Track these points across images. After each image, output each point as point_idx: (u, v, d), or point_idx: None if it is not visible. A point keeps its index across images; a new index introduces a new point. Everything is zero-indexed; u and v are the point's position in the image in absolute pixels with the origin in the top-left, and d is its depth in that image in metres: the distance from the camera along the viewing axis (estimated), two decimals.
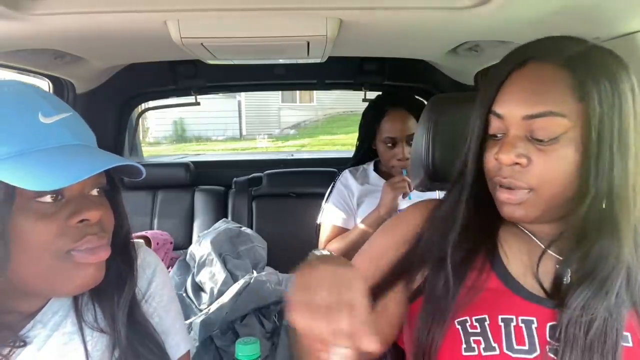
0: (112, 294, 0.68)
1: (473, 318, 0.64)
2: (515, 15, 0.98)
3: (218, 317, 1.43)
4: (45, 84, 1.66)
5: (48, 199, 0.59)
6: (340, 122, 13.11)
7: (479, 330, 0.63)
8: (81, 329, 0.67)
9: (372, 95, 2.23)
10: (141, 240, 0.82)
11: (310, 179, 2.25)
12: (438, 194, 1.17)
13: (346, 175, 1.66)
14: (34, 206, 0.58)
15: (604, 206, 0.60)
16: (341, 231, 1.58)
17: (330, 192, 1.66)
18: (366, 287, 0.47)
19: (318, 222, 1.66)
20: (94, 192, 0.64)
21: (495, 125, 0.65)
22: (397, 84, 2.21)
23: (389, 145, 1.55)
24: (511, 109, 0.63)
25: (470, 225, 0.69)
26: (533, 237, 0.70)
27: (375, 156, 1.68)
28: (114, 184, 0.70)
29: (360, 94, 2.25)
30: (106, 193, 0.67)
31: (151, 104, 2.62)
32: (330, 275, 0.47)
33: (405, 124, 1.53)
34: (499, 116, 0.64)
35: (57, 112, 0.62)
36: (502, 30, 1.12)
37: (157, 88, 2.27)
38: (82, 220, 0.61)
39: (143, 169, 0.66)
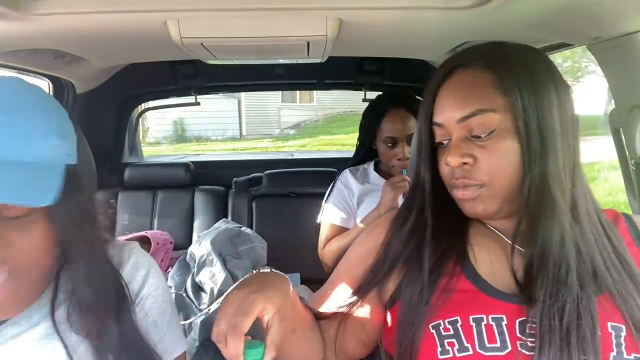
0: (83, 313, 0.66)
1: (446, 321, 0.65)
2: (515, 15, 0.98)
3: None
4: (45, 84, 1.66)
5: None
6: (340, 122, 13.11)
7: (452, 332, 0.64)
8: (58, 333, 0.66)
9: (372, 95, 2.23)
10: (135, 242, 0.81)
11: (310, 179, 2.26)
12: None
13: (346, 175, 1.66)
14: None
15: (541, 188, 0.64)
16: (341, 230, 1.59)
17: (330, 191, 1.66)
18: (274, 310, 0.58)
19: (318, 221, 1.66)
20: (9, 214, 0.56)
21: (439, 134, 0.70)
22: (397, 84, 2.22)
23: (389, 145, 1.55)
24: (447, 116, 0.68)
25: (439, 231, 0.72)
26: (499, 233, 0.72)
27: (375, 156, 1.68)
28: (71, 191, 0.61)
29: (360, 94, 2.25)
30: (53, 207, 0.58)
31: (151, 104, 2.62)
32: (237, 301, 0.58)
33: (405, 123, 1.54)
34: (439, 125, 0.70)
35: None
36: (502, 30, 1.12)
37: (157, 88, 2.27)
38: None
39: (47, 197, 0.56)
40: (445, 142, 0.69)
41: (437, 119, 0.69)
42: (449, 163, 0.67)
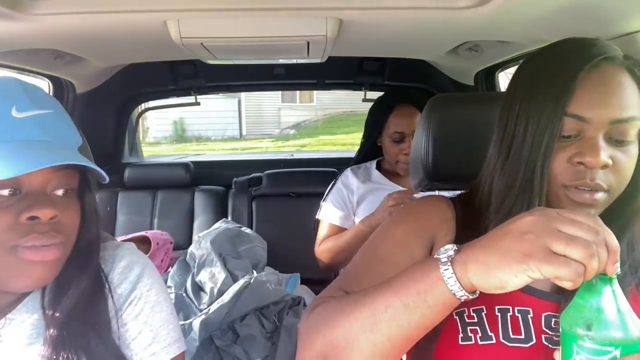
0: (61, 296, 0.67)
1: (471, 309, 0.65)
2: (515, 15, 0.98)
3: (218, 317, 1.43)
4: (45, 84, 1.66)
5: (5, 192, 0.60)
6: (340, 122, 13.11)
7: (476, 320, 0.64)
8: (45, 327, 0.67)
9: (372, 95, 2.23)
10: (131, 243, 0.81)
11: (310, 179, 2.25)
12: (437, 194, 1.17)
13: (347, 174, 1.67)
14: None
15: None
16: (338, 230, 1.59)
17: (330, 190, 1.67)
18: None
19: (317, 217, 1.68)
20: (59, 192, 0.64)
21: (571, 127, 0.62)
22: (397, 84, 2.21)
23: (396, 140, 1.55)
24: (599, 112, 0.61)
25: None
26: None
27: (377, 155, 1.69)
28: (87, 187, 0.70)
29: (360, 94, 2.25)
30: (79, 195, 0.67)
31: (151, 104, 2.62)
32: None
33: (413, 118, 1.54)
34: (580, 118, 0.62)
35: (34, 108, 0.62)
36: (502, 30, 1.12)
37: (157, 88, 2.27)
38: (32, 217, 0.60)
39: (105, 175, 0.66)
40: (572, 136, 0.63)
41: (581, 112, 0.61)
42: (589, 163, 0.60)
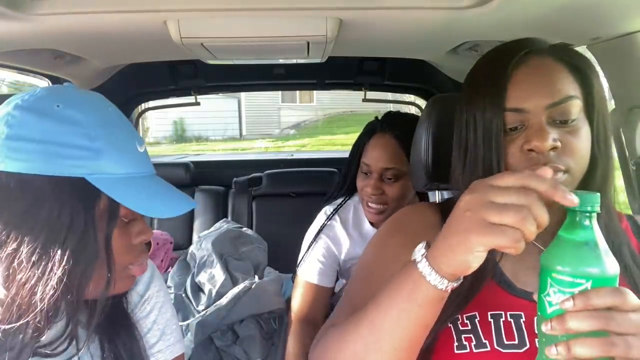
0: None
1: (464, 316, 0.65)
2: (515, 15, 0.98)
3: (215, 320, 1.43)
4: (45, 84, 1.66)
5: (124, 218, 0.66)
6: (340, 122, 13.11)
7: (469, 327, 0.64)
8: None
9: (372, 95, 2.23)
10: None
11: (310, 179, 2.26)
12: (438, 194, 1.17)
13: (333, 226, 1.38)
14: (118, 223, 0.64)
15: (606, 177, 0.66)
16: (319, 290, 1.34)
17: (316, 239, 1.39)
18: None
19: (297, 269, 1.42)
20: None
21: (513, 119, 0.66)
22: (397, 84, 2.21)
23: (364, 172, 1.32)
24: (534, 102, 0.65)
25: None
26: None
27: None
28: None
29: (360, 94, 2.25)
30: None
31: (151, 104, 2.62)
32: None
33: (385, 151, 1.28)
34: (520, 110, 0.65)
35: (142, 142, 0.68)
36: (502, 30, 1.12)
37: (157, 88, 2.27)
38: (144, 240, 0.68)
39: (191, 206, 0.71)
40: (518, 127, 0.66)
41: (519, 104, 0.65)
42: (537, 148, 0.63)
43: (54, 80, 1.65)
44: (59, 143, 0.59)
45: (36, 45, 1.18)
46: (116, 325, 0.72)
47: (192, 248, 1.82)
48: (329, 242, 1.37)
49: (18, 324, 0.58)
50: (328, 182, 1.73)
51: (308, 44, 1.13)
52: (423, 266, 0.53)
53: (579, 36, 1.07)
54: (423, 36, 1.25)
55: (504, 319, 0.64)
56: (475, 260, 0.50)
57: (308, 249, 1.39)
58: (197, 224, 2.22)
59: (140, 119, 2.65)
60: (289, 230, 2.11)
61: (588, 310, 0.46)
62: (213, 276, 1.63)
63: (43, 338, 0.62)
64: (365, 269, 0.78)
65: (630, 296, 0.47)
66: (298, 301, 1.35)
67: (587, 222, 0.49)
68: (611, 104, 1.13)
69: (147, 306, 0.78)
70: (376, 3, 0.95)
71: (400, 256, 0.71)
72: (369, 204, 1.31)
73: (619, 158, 1.13)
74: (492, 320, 0.64)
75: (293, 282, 1.45)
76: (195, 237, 2.20)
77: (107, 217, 0.62)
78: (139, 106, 2.47)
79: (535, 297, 0.52)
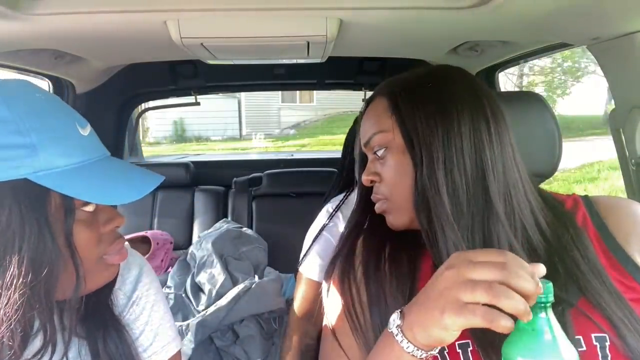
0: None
1: (456, 343, 0.63)
2: (515, 15, 0.98)
3: (215, 320, 1.43)
4: (45, 84, 1.66)
5: (90, 208, 0.61)
6: (340, 122, 13.10)
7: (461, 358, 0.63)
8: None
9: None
10: (125, 243, 0.83)
11: (310, 179, 2.25)
12: None
13: (336, 223, 1.33)
14: (80, 215, 0.59)
15: (425, 196, 0.67)
16: (320, 287, 1.33)
17: (318, 235, 1.34)
18: None
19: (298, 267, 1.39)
20: None
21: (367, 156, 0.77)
22: None
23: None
24: (361, 142, 0.77)
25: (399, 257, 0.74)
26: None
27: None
28: None
29: (360, 94, 2.25)
30: None
31: (151, 104, 2.62)
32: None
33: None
34: (362, 148, 0.77)
35: (85, 123, 0.62)
36: (502, 30, 1.12)
37: (157, 88, 2.27)
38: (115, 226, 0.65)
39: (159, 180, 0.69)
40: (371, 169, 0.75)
41: (362, 143, 0.77)
42: (363, 183, 0.75)
43: (54, 80, 1.65)
44: None
45: (36, 45, 1.18)
46: (106, 327, 0.69)
47: (192, 248, 1.82)
48: (331, 239, 1.33)
49: None
50: (328, 182, 1.72)
51: (308, 44, 1.13)
52: (400, 340, 0.54)
53: (579, 36, 1.07)
54: (423, 36, 1.25)
55: (471, 348, 0.62)
56: (450, 337, 0.50)
57: (310, 247, 1.36)
58: (197, 224, 2.22)
59: (140, 119, 2.65)
60: (289, 230, 2.11)
61: None
62: (213, 276, 1.63)
63: (26, 353, 0.58)
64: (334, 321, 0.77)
65: None
66: (299, 298, 1.33)
67: (542, 314, 0.49)
68: (611, 104, 1.13)
69: (136, 308, 0.75)
70: (376, 3, 0.95)
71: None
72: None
73: (619, 158, 1.13)
74: (460, 350, 0.62)
75: (295, 280, 1.43)
76: (195, 237, 2.20)
77: (63, 214, 0.57)
78: (139, 106, 2.47)
79: None
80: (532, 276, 0.47)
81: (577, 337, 0.59)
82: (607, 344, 0.58)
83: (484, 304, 0.47)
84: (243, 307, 1.46)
